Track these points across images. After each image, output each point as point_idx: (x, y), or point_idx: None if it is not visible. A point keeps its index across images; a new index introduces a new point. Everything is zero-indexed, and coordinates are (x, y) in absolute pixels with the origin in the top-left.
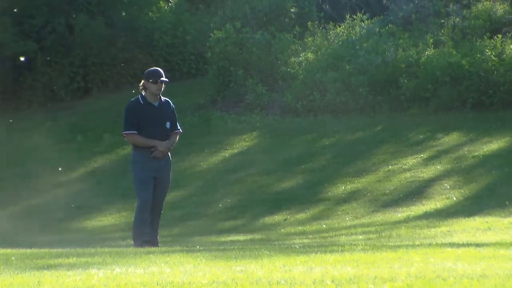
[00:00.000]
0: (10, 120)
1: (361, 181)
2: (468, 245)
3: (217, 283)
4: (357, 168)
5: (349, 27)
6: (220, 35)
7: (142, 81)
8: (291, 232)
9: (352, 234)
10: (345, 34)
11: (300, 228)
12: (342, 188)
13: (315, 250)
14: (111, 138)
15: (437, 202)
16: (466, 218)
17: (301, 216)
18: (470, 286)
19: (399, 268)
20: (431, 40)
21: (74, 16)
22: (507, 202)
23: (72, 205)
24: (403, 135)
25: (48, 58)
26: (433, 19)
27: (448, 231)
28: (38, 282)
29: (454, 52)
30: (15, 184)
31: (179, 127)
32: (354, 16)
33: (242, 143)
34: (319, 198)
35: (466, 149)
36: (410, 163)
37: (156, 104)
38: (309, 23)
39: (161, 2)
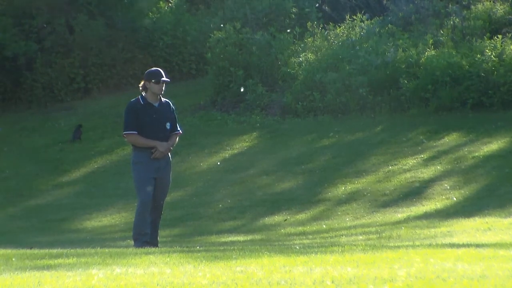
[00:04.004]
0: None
1: (361, 182)
2: (468, 245)
3: (217, 284)
4: (357, 168)
5: (349, 27)
6: (220, 35)
7: (142, 81)
8: (291, 232)
9: (352, 234)
10: (345, 35)
11: (300, 228)
12: (342, 188)
13: (315, 250)
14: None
15: (437, 203)
16: (466, 218)
17: (301, 216)
18: (470, 286)
19: (399, 269)
20: (431, 40)
21: (74, 16)
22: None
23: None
24: (403, 135)
25: (48, 59)
26: (433, 19)
27: (448, 232)
28: (38, 282)
29: (454, 53)
30: (15, 184)
31: (179, 128)
32: (354, 17)
33: (242, 144)
34: (319, 199)
35: (466, 149)
36: (410, 163)
37: (156, 104)
38: (308, 23)
39: (161, 2)
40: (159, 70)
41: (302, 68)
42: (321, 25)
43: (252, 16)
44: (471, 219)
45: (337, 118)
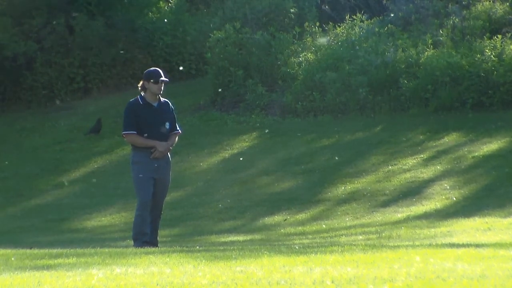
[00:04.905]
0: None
1: (361, 182)
2: (467, 245)
3: (217, 284)
4: (357, 168)
5: (348, 27)
6: (219, 35)
7: (141, 81)
8: (291, 232)
9: (352, 234)
10: (344, 35)
11: (300, 228)
12: (342, 188)
13: (315, 250)
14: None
15: (437, 203)
16: (466, 218)
17: (301, 216)
18: (470, 286)
19: (399, 269)
20: (430, 40)
21: (74, 16)
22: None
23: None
24: (403, 135)
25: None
26: (432, 19)
27: (448, 232)
28: (38, 282)
29: (453, 53)
30: (15, 184)
31: (178, 128)
32: (354, 17)
33: (241, 144)
34: (319, 199)
35: (466, 149)
36: (410, 163)
37: (155, 104)
38: (305, 23)
39: (161, 2)
40: (157, 70)
41: (302, 68)
42: (318, 25)
43: (252, 16)
44: (471, 219)
45: (337, 118)
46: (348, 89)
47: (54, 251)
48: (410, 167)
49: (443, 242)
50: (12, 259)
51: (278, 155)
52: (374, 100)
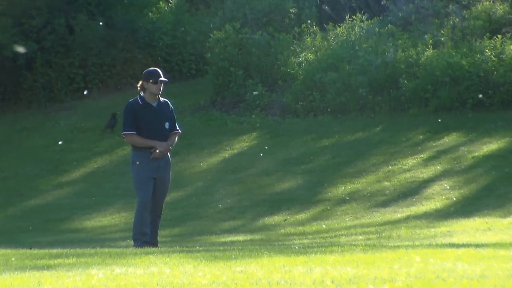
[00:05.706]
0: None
1: (360, 182)
2: (467, 245)
3: (217, 284)
4: (357, 168)
5: (348, 27)
6: (219, 35)
7: (141, 81)
8: (291, 232)
9: (352, 234)
10: (344, 35)
11: (300, 228)
12: (342, 188)
13: (315, 250)
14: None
15: (436, 203)
16: (466, 218)
17: (301, 216)
18: (470, 286)
19: (399, 269)
20: (431, 40)
21: (74, 16)
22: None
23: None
24: (403, 135)
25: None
26: (432, 19)
27: (447, 232)
28: (38, 282)
29: (453, 53)
30: (15, 184)
31: (178, 128)
32: (354, 17)
33: (241, 144)
34: (319, 199)
35: (466, 149)
36: (410, 163)
37: (155, 104)
38: (303, 25)
39: (161, 2)
40: (157, 70)
41: (302, 68)
42: (315, 25)
43: (252, 16)
44: (471, 219)
45: (337, 118)
46: (348, 89)
47: (54, 251)
48: (410, 167)
49: (443, 242)
50: (12, 259)
51: (278, 155)
52: (374, 100)
